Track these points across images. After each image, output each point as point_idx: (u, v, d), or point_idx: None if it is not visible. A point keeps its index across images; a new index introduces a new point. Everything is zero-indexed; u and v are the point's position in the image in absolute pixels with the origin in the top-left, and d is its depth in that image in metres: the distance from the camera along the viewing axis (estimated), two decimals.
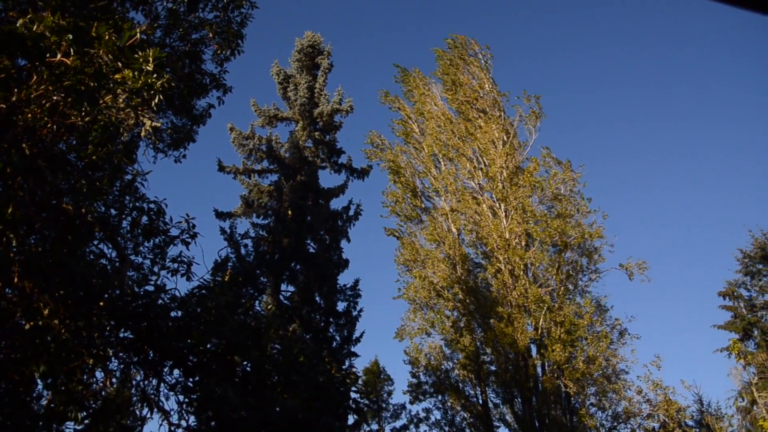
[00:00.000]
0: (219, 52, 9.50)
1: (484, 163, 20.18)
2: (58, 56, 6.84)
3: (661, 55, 77.27)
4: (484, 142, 20.21)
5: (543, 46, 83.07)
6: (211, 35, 9.17)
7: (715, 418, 24.35)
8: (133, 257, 8.46)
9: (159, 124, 10.37)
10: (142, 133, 10.02)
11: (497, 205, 19.30)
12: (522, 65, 73.25)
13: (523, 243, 18.45)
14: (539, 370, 17.23)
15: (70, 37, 5.66)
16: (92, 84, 5.79)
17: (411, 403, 27.76)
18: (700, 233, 69.68)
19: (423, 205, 20.93)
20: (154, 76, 5.86)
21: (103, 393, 7.25)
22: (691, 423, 26.32)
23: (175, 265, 8.02)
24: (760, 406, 17.57)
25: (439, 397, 19.50)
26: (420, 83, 22.88)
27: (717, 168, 69.75)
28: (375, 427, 30.32)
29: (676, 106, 76.34)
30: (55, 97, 7.19)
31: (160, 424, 6.87)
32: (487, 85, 21.81)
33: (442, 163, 20.99)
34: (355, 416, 6.53)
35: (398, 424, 29.50)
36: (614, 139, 78.36)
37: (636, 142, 76.73)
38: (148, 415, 6.94)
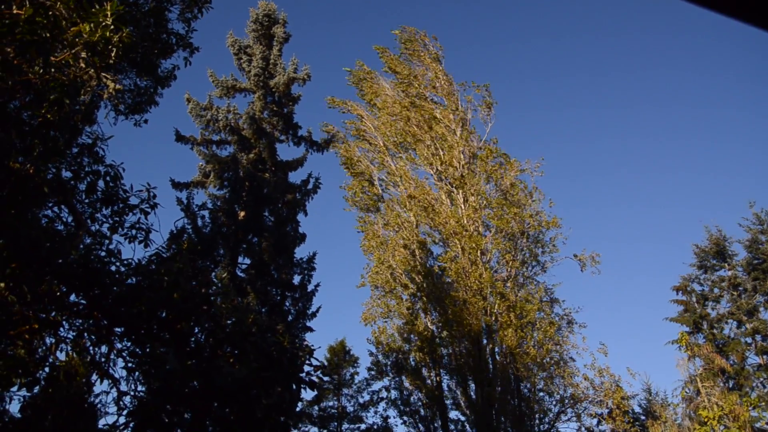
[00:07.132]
0: (186, 10, 9.17)
1: (442, 150, 20.35)
2: (14, 8, 6.49)
3: (624, 42, 78.36)
4: (441, 130, 20.39)
5: (491, 36, 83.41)
6: None
7: (661, 406, 25.51)
8: (89, 223, 8.22)
9: (121, 87, 9.99)
10: (105, 95, 9.65)
11: (455, 191, 19.54)
12: (471, 54, 73.26)
13: (480, 229, 18.77)
14: (492, 354, 17.59)
15: None
16: (45, 35, 5.52)
17: (371, 380, 28.39)
18: (660, 225, 71.75)
19: (380, 193, 21.14)
20: (112, 28, 5.63)
21: (50, 359, 7.07)
22: (638, 410, 27.56)
23: (133, 231, 7.83)
24: (702, 396, 18.42)
25: (397, 379, 19.82)
26: (367, 77, 22.71)
27: (680, 157, 71.50)
28: (335, 403, 30.71)
29: (634, 92, 77.56)
30: (8, 49, 6.85)
31: (109, 392, 6.76)
32: (441, 77, 21.77)
33: (395, 156, 21.21)
34: (309, 389, 6.54)
35: (361, 400, 30.05)
36: (572, 125, 79.43)
37: (595, 130, 77.92)
38: (97, 382, 6.81)
